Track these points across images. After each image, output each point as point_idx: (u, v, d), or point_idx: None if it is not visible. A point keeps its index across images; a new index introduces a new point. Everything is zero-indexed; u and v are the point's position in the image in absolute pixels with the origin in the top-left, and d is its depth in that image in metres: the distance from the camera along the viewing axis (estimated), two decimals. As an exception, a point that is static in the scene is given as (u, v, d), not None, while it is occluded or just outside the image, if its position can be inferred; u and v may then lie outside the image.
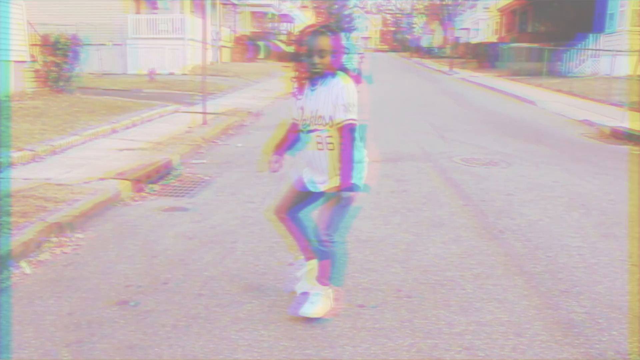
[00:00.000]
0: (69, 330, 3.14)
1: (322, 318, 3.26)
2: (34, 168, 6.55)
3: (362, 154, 3.17)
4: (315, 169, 3.23)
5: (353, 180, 3.00)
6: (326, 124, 3.06)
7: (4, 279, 3.73)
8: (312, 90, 3.12)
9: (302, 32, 3.11)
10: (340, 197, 3.03)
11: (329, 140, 3.10)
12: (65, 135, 8.23)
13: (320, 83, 3.08)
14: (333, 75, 3.05)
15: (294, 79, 3.17)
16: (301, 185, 3.36)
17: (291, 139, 3.35)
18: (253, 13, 43.08)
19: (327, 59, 3.01)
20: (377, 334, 3.15)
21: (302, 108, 3.16)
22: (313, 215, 3.44)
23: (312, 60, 3.00)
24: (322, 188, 3.22)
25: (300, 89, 3.18)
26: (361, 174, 3.14)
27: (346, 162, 2.99)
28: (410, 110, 14.46)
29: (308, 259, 3.50)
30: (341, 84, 3.02)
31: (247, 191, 6.15)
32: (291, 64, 3.14)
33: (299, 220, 3.47)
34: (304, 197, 3.39)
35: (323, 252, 3.22)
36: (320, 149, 3.14)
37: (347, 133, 3.00)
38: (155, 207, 5.50)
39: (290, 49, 3.19)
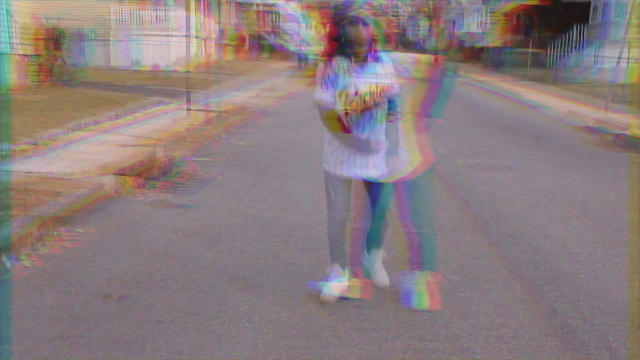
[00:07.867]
0: (52, 324, 3.14)
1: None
2: (35, 162, 6.55)
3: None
4: (373, 151, 3.33)
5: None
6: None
7: (2, 272, 3.73)
8: (361, 68, 3.20)
9: (337, 20, 3.20)
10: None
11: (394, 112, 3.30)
12: (67, 130, 8.23)
13: (367, 63, 3.20)
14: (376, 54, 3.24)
15: (328, 63, 3.21)
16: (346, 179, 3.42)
17: None
18: (238, 5, 41.50)
19: (367, 47, 3.16)
20: (362, 327, 3.19)
21: (353, 88, 3.19)
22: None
23: (354, 49, 3.13)
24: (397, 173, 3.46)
25: (328, 71, 3.21)
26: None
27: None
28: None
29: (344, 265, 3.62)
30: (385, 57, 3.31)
31: (248, 190, 6.15)
32: (328, 48, 3.22)
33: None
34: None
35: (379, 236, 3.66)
36: (398, 120, 3.37)
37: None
38: (154, 203, 5.50)
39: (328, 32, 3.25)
